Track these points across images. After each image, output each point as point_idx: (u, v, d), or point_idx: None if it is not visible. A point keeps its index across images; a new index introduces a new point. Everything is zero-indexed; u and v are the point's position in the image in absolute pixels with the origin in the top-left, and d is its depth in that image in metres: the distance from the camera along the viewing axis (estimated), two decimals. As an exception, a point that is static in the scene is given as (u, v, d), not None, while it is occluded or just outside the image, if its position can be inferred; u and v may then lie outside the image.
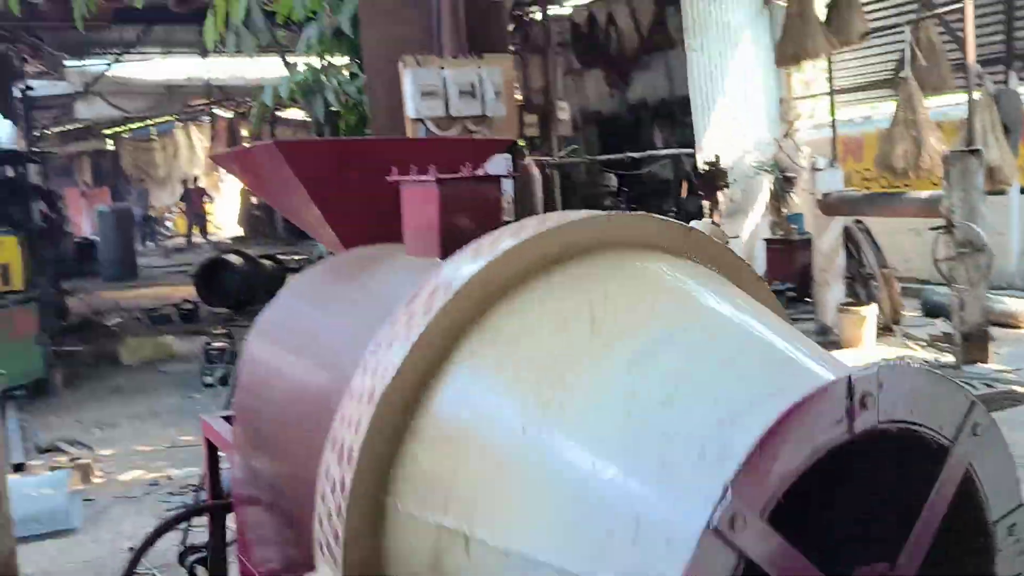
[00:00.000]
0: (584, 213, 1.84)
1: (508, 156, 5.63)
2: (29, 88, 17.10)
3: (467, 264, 1.74)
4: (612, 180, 11.35)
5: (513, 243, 1.73)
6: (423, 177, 2.30)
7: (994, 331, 8.44)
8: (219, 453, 3.03)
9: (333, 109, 7.89)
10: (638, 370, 1.47)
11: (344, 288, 2.54)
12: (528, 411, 1.52)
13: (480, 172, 2.37)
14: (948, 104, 10.07)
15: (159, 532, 2.99)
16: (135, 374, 9.82)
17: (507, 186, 5.67)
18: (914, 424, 1.32)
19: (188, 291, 13.87)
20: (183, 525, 3.36)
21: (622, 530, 1.26)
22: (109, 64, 19.81)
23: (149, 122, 29.63)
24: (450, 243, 2.03)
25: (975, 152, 7.42)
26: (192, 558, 3.14)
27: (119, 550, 4.96)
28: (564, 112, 11.49)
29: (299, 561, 2.13)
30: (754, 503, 1.18)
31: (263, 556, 2.59)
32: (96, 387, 9.29)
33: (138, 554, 2.95)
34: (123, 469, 6.55)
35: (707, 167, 11.61)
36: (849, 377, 1.24)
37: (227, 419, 3.01)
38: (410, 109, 5.16)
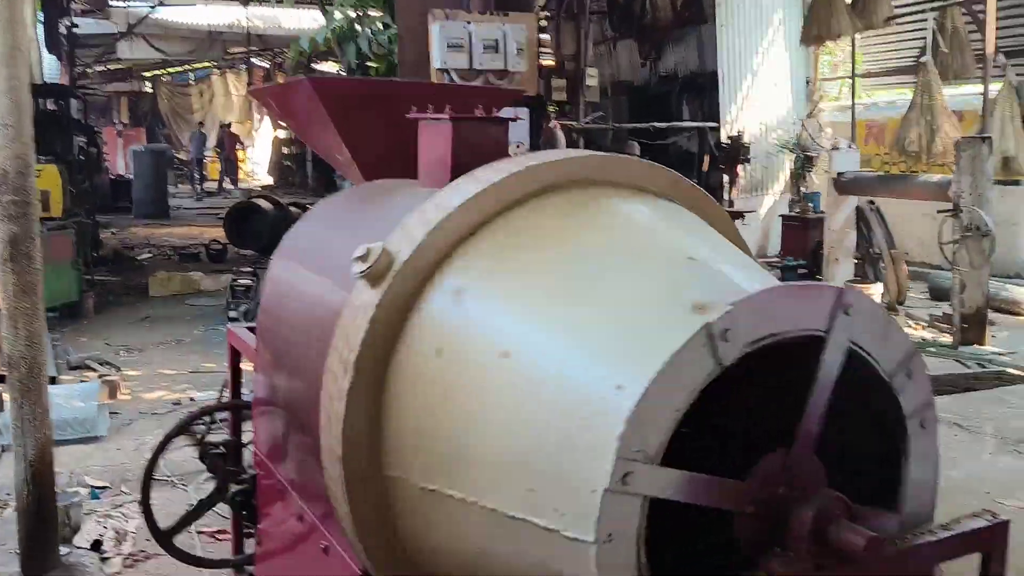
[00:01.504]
0: (574, 151, 2.09)
1: (526, 108, 5.89)
2: (74, 25, 17.39)
3: (466, 187, 2.00)
4: (635, 148, 11.51)
5: (507, 173, 1.98)
6: (439, 115, 2.56)
7: (995, 316, 8.64)
8: (241, 359, 3.34)
9: (365, 59, 8.15)
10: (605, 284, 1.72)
11: (359, 212, 2.81)
12: (506, 322, 1.77)
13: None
14: (971, 93, 10.18)
15: (187, 423, 3.31)
16: (163, 305, 10.20)
17: (522, 135, 5.91)
18: (789, 333, 1.51)
19: (218, 233, 14.20)
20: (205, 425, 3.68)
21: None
22: (153, 6, 20.08)
23: (188, 67, 29.92)
24: (459, 175, 2.30)
25: (986, 139, 7.57)
26: (212, 454, 3.46)
27: (141, 457, 5.31)
28: (593, 79, 11.68)
29: (310, 459, 2.41)
30: (646, 453, 1.38)
31: (277, 452, 2.89)
32: (125, 315, 9.68)
33: (168, 438, 3.27)
34: (148, 389, 6.92)
35: (729, 142, 11.78)
36: (707, 324, 1.41)
37: (251, 330, 3.31)
38: (436, 60, 5.45)
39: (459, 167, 2.47)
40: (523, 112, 5.97)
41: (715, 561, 1.60)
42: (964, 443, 5.55)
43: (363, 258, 1.88)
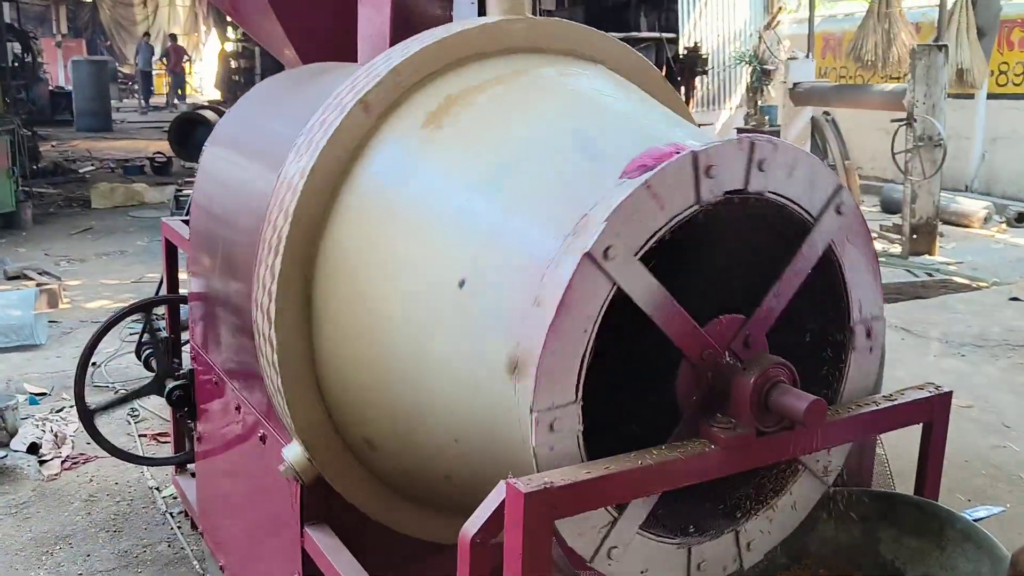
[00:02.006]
0: (506, 17, 1.96)
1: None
2: (3, -76, 16.51)
3: (397, 55, 1.88)
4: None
5: (438, 38, 1.86)
6: (376, -12, 2.42)
7: (945, 229, 8.74)
8: (177, 252, 3.21)
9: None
10: (537, 132, 1.63)
11: (293, 94, 2.67)
12: (451, 175, 1.68)
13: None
14: (928, 4, 10.10)
15: (119, 318, 3.19)
16: (105, 217, 9.92)
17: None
18: (790, 201, 1.47)
19: (163, 146, 13.83)
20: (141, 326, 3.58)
21: (515, 259, 1.44)
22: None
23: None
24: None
25: (942, 47, 7.52)
26: (147, 351, 3.36)
27: (83, 365, 5.20)
28: (549, -15, 11.38)
29: (246, 348, 2.33)
30: (627, 243, 1.33)
31: (214, 345, 2.80)
32: (66, 226, 9.40)
33: (102, 331, 3.15)
34: (89, 299, 6.75)
35: (686, 53, 11.62)
36: (693, 151, 1.35)
37: (187, 223, 3.17)
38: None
39: (398, 42, 2.35)
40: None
41: (657, 430, 1.55)
42: (911, 347, 5.63)
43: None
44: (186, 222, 3.19)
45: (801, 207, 1.51)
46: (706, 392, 1.46)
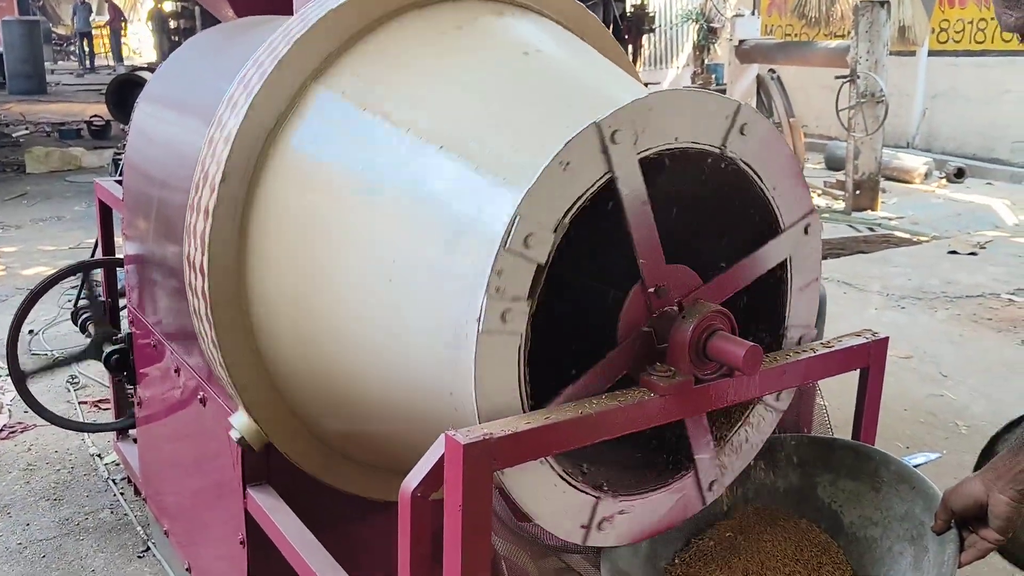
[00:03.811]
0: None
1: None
2: None
3: (325, 6, 1.82)
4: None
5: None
6: (310, -66, 2.34)
7: (887, 184, 8.88)
8: (112, 214, 3.13)
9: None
10: (462, 99, 1.59)
11: (226, 47, 2.60)
12: (369, 136, 1.64)
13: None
14: (872, -40, 10.15)
15: (53, 280, 3.11)
16: (41, 182, 9.65)
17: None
18: (682, 145, 1.41)
19: (100, 109, 13.45)
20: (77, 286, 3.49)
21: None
22: None
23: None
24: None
25: (884, 4, 7.58)
26: (83, 316, 3.28)
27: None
28: (494, -58, 11.24)
29: (183, 311, 2.28)
30: (545, 223, 1.29)
31: (151, 307, 2.74)
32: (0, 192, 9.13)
33: (34, 294, 3.07)
34: (26, 265, 6.57)
35: (633, 11, 11.57)
36: (595, 122, 1.30)
37: (120, 183, 3.09)
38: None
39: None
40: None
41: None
42: (852, 300, 5.73)
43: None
44: (120, 183, 3.11)
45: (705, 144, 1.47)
46: (646, 339, 1.46)
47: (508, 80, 1.62)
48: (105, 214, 3.21)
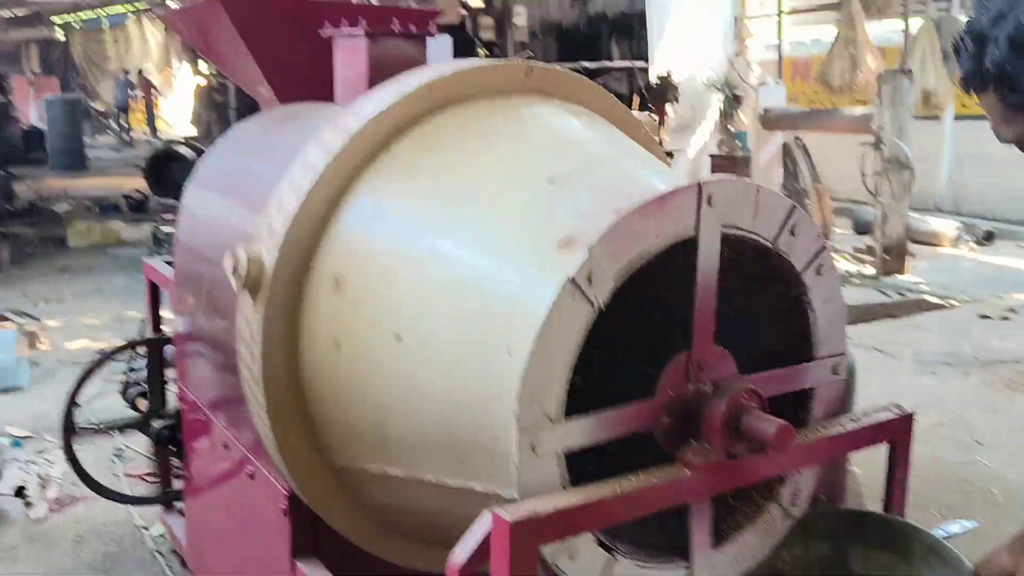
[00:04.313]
0: (477, 61, 2.04)
1: (448, 36, 5.83)
2: (-25, -34, 16.58)
3: (372, 104, 1.94)
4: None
5: (416, 85, 1.93)
6: (354, 31, 2.49)
7: (915, 248, 8.90)
8: (160, 293, 3.26)
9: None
10: (517, 183, 1.71)
11: (273, 135, 2.74)
12: (424, 221, 1.75)
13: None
14: (894, 30, 10.33)
15: (107, 357, 3.24)
16: (82, 256, 9.91)
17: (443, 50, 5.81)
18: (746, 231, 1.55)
19: (138, 183, 13.81)
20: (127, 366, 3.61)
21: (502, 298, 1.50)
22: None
23: (101, 11, 28.74)
24: (376, 94, 2.24)
25: (907, 72, 7.71)
26: (134, 391, 3.40)
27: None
28: (521, 17, 11.56)
29: (233, 387, 2.37)
30: (610, 266, 1.40)
31: (201, 384, 2.85)
32: (43, 266, 9.38)
33: (87, 372, 3.19)
34: (69, 338, 6.74)
35: (658, 81, 11.78)
36: (570, 277, 1.38)
37: (169, 264, 3.23)
38: (356, -15, 5.34)
39: (375, 84, 2.42)
40: (444, 40, 5.87)
41: (634, 459, 1.61)
42: (884, 366, 5.73)
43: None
44: (168, 263, 3.25)
45: (758, 235, 1.58)
46: (680, 423, 1.53)
47: (552, 168, 1.72)
48: (153, 293, 3.34)
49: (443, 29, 4.15)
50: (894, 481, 1.81)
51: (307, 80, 2.93)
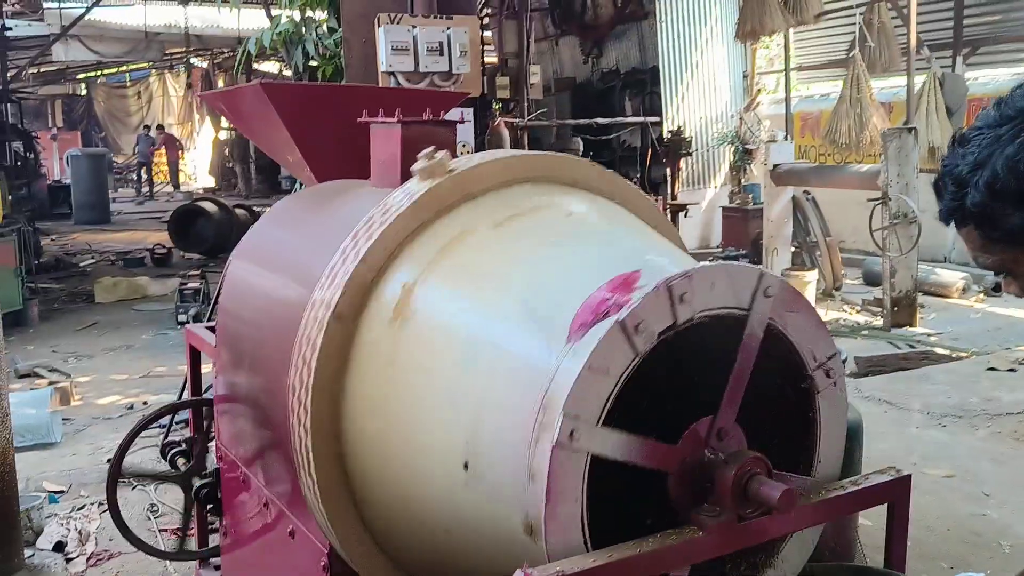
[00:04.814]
0: (518, 152, 2.25)
1: (471, 109, 6.09)
2: (7, 28, 17.09)
3: (414, 187, 2.15)
4: (579, 144, 11.73)
5: (454, 172, 2.14)
6: (388, 119, 2.71)
7: (925, 299, 9.03)
8: (200, 356, 3.45)
9: (312, 61, 8.29)
10: (544, 265, 1.89)
11: (315, 212, 2.94)
12: (456, 302, 1.94)
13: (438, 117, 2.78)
14: (898, 85, 10.57)
15: (150, 420, 3.41)
16: (109, 311, 10.15)
17: (468, 136, 6.10)
18: (723, 309, 1.69)
19: (161, 237, 14.13)
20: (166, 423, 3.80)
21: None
22: (88, 7, 19.78)
23: (124, 68, 29.44)
24: (409, 176, 2.44)
25: (911, 130, 7.92)
26: (173, 451, 3.56)
27: (98, 461, 5.39)
28: (536, 76, 11.86)
29: (274, 448, 2.53)
30: (588, 418, 1.54)
31: (241, 445, 3.01)
32: (71, 322, 9.63)
33: (134, 433, 3.36)
34: (100, 394, 6.94)
35: (671, 136, 12.05)
36: (667, 281, 1.60)
37: (210, 329, 3.42)
38: (383, 63, 5.61)
39: (407, 166, 2.62)
40: (468, 113, 6.15)
41: (651, 522, 1.78)
42: (893, 418, 5.85)
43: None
44: (209, 328, 3.44)
45: (735, 308, 1.75)
46: (693, 487, 1.70)
47: (574, 254, 1.91)
48: (194, 357, 3.53)
49: (467, 100, 4.43)
50: (893, 540, 1.96)
51: (340, 156, 3.16)
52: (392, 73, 5.57)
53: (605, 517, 1.65)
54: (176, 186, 27.18)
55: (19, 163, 14.48)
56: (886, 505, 1.93)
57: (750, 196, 11.25)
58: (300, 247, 2.78)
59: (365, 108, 2.84)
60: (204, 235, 13.20)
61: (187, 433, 3.63)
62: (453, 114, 3.07)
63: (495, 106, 11.90)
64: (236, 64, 12.38)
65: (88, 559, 4.11)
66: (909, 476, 1.94)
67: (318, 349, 2.03)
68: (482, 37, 7.84)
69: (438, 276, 1.99)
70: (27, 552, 4.07)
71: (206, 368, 3.35)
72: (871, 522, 3.56)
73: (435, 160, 2.11)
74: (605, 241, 1.98)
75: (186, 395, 3.64)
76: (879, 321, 8.37)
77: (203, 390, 3.56)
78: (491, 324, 1.83)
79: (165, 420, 3.98)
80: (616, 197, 2.24)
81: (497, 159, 2.18)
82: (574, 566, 1.52)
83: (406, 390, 1.92)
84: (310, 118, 3.19)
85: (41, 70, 26.80)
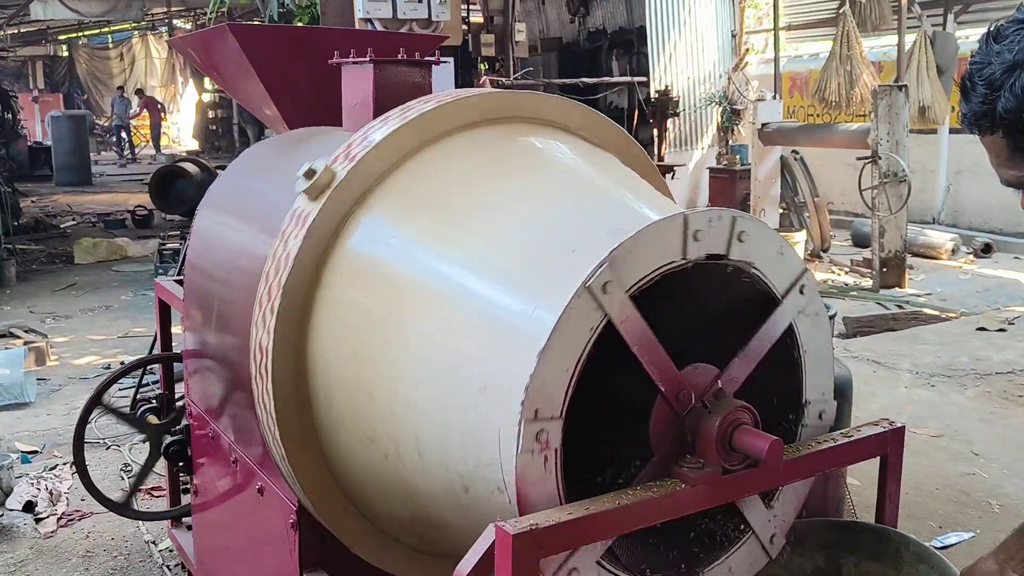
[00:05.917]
0: (487, 90, 2.12)
1: (451, 58, 5.95)
2: (-19, -16, 16.73)
3: (380, 129, 2.02)
4: (565, 104, 11.59)
5: (422, 111, 2.01)
6: (360, 59, 2.57)
7: (914, 260, 8.97)
8: (171, 312, 3.33)
9: (288, 12, 8.10)
10: (524, 206, 1.78)
11: (282, 159, 2.81)
12: (427, 243, 1.83)
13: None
14: (889, 44, 10.43)
15: (119, 375, 3.30)
16: (88, 272, 9.99)
17: (448, 85, 5.94)
18: (749, 265, 1.60)
19: (143, 199, 13.92)
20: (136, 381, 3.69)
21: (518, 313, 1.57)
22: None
23: (106, 29, 28.93)
24: (384, 120, 2.32)
25: (902, 87, 7.79)
26: (143, 407, 3.46)
27: (72, 422, 5.24)
28: (521, 34, 11.66)
29: (242, 403, 2.43)
30: (623, 281, 1.45)
31: (210, 401, 2.91)
32: (49, 283, 9.47)
33: (100, 391, 3.26)
34: (77, 355, 6.82)
35: (658, 96, 11.89)
36: (584, 282, 1.44)
37: (179, 283, 3.30)
38: (359, 10, 5.47)
39: (381, 110, 2.49)
40: (447, 63, 5.99)
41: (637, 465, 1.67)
42: (882, 378, 5.79)
43: (307, 175, 1.93)
44: (179, 282, 3.32)
45: (769, 281, 1.65)
46: (677, 434, 1.60)
47: (547, 198, 1.80)
48: (163, 311, 3.41)
49: (446, 50, 4.27)
50: (886, 494, 1.87)
51: (313, 104, 3.02)
52: (369, 20, 5.42)
53: (580, 465, 1.55)
54: (157, 148, 26.81)
55: (-3, 123, 14.21)
56: (877, 460, 1.85)
57: (737, 157, 11.10)
58: (268, 194, 2.66)
59: (338, 51, 2.71)
60: (185, 196, 12.96)
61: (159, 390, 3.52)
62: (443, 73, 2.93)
63: (480, 65, 11.71)
64: (209, 19, 12.06)
65: (59, 519, 4.02)
66: (903, 428, 1.85)
67: (281, 289, 1.92)
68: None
69: (403, 221, 1.88)
70: (-4, 513, 3.98)
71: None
72: (859, 481, 3.49)
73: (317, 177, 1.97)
74: (578, 192, 1.85)
75: (156, 350, 3.52)
76: (868, 282, 8.31)
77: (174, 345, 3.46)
78: (457, 271, 1.72)
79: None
80: (595, 137, 2.13)
81: (465, 97, 2.06)
82: (549, 519, 1.42)
83: (372, 337, 1.81)
84: (281, 62, 3.04)
85: (21, 30, 26.29)
